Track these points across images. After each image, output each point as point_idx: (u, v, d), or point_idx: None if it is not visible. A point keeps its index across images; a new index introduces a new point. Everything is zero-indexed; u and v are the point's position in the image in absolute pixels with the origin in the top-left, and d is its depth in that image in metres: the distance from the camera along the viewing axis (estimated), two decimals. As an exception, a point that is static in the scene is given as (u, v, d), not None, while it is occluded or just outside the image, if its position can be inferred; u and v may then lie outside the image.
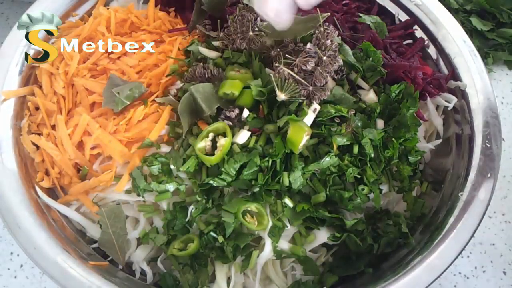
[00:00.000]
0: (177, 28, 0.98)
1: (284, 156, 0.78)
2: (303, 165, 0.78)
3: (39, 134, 0.86)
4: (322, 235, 0.80)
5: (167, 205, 0.80)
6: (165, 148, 0.83)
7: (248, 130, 0.79)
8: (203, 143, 0.78)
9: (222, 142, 0.77)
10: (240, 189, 0.80)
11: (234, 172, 0.76)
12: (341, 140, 0.78)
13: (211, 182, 0.77)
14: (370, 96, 0.85)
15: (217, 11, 0.95)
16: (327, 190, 0.79)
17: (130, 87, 0.85)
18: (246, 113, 0.79)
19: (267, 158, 0.77)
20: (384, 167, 0.82)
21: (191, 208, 0.79)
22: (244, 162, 0.77)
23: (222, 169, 0.76)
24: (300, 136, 0.75)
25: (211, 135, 0.78)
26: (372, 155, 0.80)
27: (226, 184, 0.77)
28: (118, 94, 0.84)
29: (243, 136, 0.78)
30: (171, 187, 0.79)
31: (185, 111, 0.81)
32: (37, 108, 0.88)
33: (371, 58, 0.87)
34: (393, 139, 0.82)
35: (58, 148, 0.83)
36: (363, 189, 0.80)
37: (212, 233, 0.78)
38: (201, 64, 0.85)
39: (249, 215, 0.77)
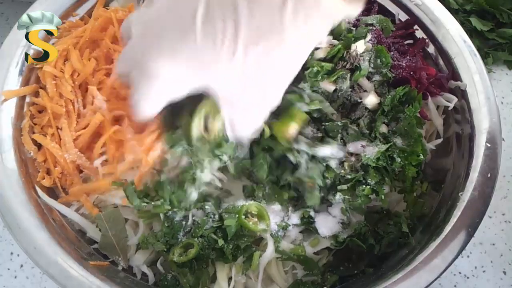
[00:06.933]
0: (177, 28, 0.97)
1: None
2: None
3: (44, 135, 0.85)
4: (325, 240, 0.80)
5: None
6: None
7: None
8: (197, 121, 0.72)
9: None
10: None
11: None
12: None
13: None
14: (370, 98, 0.84)
15: None
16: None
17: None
18: None
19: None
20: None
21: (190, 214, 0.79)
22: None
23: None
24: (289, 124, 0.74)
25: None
26: (382, 164, 0.79)
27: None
28: None
29: None
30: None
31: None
32: (39, 111, 0.87)
33: (378, 60, 0.85)
34: (406, 160, 0.81)
35: (62, 149, 0.82)
36: (363, 190, 0.79)
37: (212, 235, 0.77)
38: None
39: (250, 216, 0.77)
